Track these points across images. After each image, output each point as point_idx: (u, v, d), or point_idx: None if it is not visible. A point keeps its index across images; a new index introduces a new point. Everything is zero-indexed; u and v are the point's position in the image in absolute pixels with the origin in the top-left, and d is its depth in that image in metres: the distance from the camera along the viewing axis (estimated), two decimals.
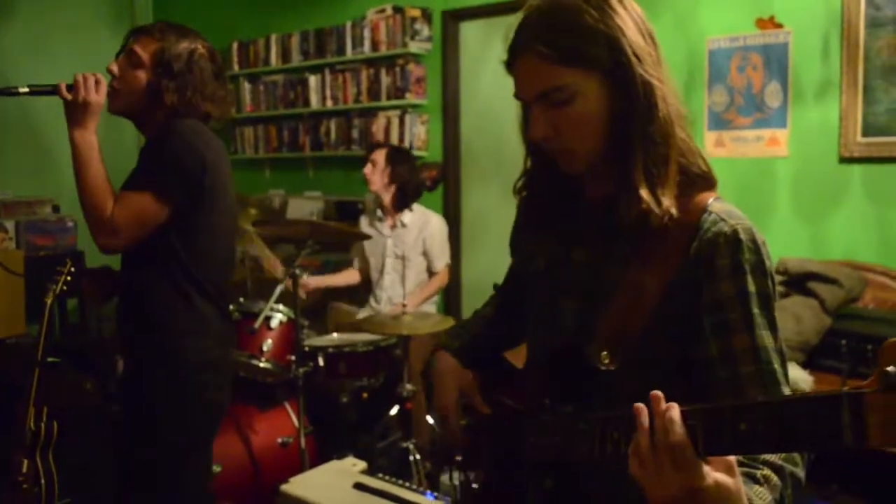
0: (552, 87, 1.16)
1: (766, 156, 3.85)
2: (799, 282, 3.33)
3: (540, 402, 1.24)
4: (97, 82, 2.06)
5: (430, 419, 3.73)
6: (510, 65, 1.22)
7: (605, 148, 1.19)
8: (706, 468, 0.90)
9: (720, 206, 1.19)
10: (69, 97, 2.03)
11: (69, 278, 3.13)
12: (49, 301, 3.12)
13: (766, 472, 1.03)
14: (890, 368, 0.73)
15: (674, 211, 1.15)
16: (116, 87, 2.14)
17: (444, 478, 2.63)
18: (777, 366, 1.12)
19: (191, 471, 2.23)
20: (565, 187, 1.30)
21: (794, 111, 3.77)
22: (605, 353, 1.15)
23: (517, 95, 1.24)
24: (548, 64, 1.15)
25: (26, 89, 2.05)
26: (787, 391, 1.11)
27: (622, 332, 1.15)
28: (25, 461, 3.00)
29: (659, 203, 1.15)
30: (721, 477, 0.91)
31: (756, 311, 1.12)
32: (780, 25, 3.78)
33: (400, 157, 4.14)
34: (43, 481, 3.00)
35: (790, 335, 3.04)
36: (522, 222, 1.46)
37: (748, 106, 3.90)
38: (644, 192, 1.15)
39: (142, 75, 2.13)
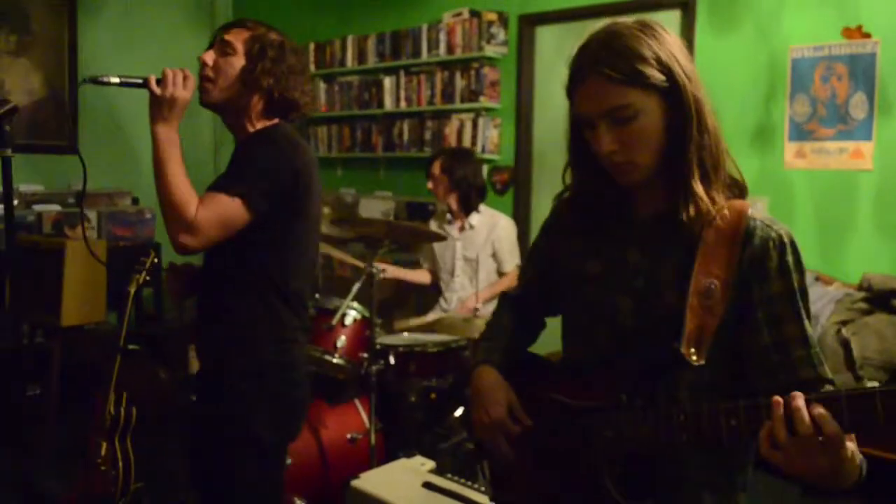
0: (618, 105, 1.29)
1: (850, 168, 3.76)
2: (883, 299, 3.24)
3: (614, 397, 1.35)
4: (185, 78, 2.02)
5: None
6: (573, 88, 1.35)
7: (661, 159, 1.33)
8: (848, 441, 1.11)
9: (760, 214, 1.34)
10: (158, 91, 1.99)
11: (151, 269, 3.23)
12: (132, 290, 3.22)
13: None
14: None
15: (726, 211, 1.32)
16: (210, 75, 2.11)
17: None
18: (818, 349, 1.30)
19: (270, 469, 2.21)
20: (616, 199, 1.43)
21: (880, 123, 3.67)
22: (692, 349, 1.28)
23: (580, 114, 1.35)
24: (614, 85, 1.28)
25: (117, 80, 2.00)
26: (826, 370, 1.30)
27: (702, 330, 1.29)
28: (104, 444, 3.10)
29: (714, 202, 1.31)
30: (850, 444, 1.13)
31: (800, 303, 1.30)
32: (867, 35, 3.69)
33: (455, 163, 4.11)
34: (120, 465, 3.09)
35: (873, 354, 2.96)
36: (561, 229, 1.56)
37: (831, 117, 3.81)
38: (701, 191, 1.31)
39: (236, 62, 2.11)
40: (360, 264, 3.80)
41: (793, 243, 1.31)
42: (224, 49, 2.14)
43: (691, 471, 1.35)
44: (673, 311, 1.31)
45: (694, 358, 1.27)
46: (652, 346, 1.32)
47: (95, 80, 2.01)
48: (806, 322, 1.30)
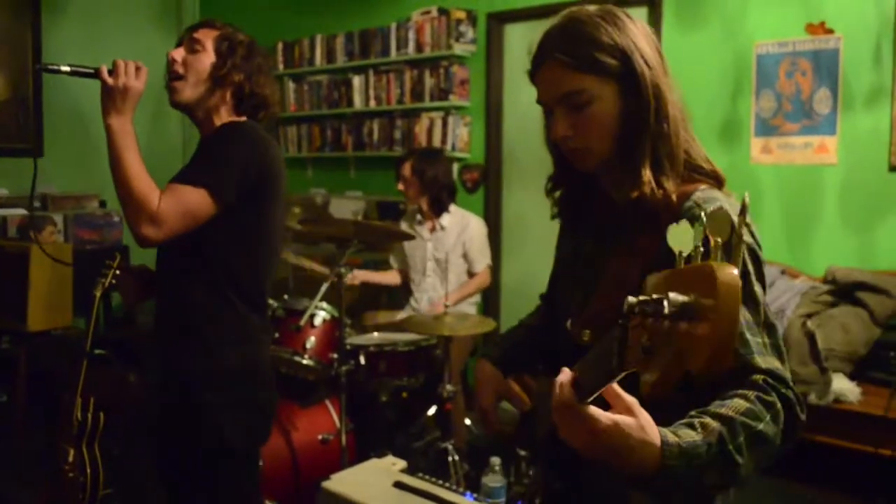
0: (572, 91, 1.29)
1: (814, 163, 3.80)
2: (847, 291, 3.28)
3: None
4: (137, 69, 1.99)
5: (467, 421, 3.74)
6: (533, 73, 1.36)
7: (616, 146, 1.31)
8: (598, 412, 0.99)
9: (702, 194, 1.29)
10: (110, 81, 1.94)
11: (118, 272, 3.19)
12: (98, 294, 3.18)
13: (706, 420, 1.08)
14: (630, 299, 0.78)
15: (674, 197, 1.27)
16: (180, 72, 2.09)
17: (486, 479, 2.61)
18: (749, 336, 1.16)
19: (244, 475, 2.19)
20: (589, 188, 1.43)
21: (843, 118, 3.72)
22: (586, 331, 1.28)
23: (539, 100, 1.37)
24: (569, 71, 1.28)
25: (67, 68, 1.96)
26: (760, 360, 1.15)
27: (603, 312, 1.27)
28: (71, 450, 3.06)
29: (660, 186, 1.27)
30: (620, 417, 1.00)
31: None
32: (830, 31, 3.73)
33: (425, 164, 4.09)
34: (88, 471, 3.05)
35: (837, 345, 2.99)
36: (561, 226, 1.59)
37: (796, 112, 3.85)
38: (647, 177, 1.27)
39: (205, 59, 2.10)
40: (325, 271, 3.79)
41: None
42: (193, 46, 2.12)
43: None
44: None
45: (585, 339, 1.27)
46: None
47: (46, 68, 1.97)
48: None
